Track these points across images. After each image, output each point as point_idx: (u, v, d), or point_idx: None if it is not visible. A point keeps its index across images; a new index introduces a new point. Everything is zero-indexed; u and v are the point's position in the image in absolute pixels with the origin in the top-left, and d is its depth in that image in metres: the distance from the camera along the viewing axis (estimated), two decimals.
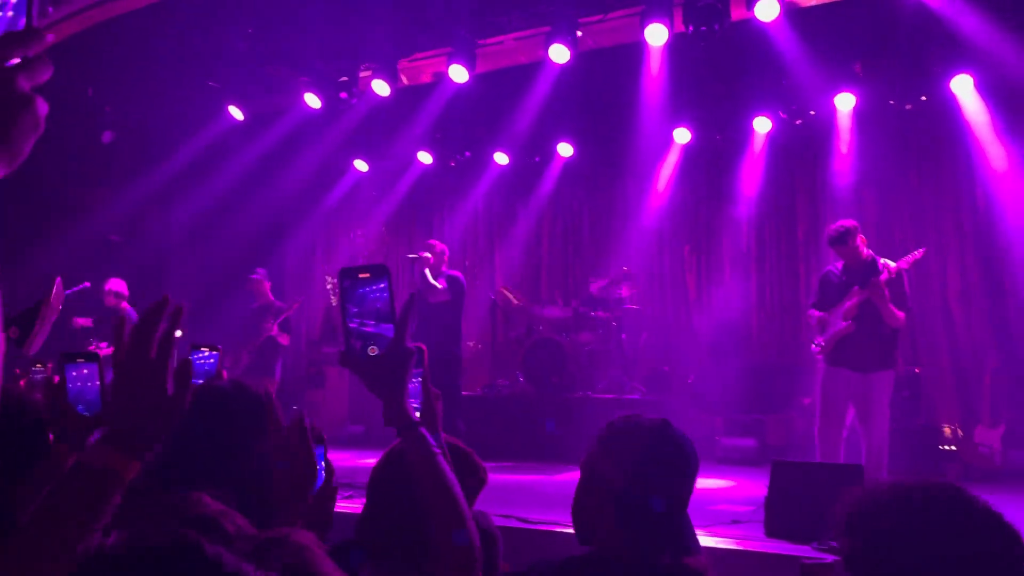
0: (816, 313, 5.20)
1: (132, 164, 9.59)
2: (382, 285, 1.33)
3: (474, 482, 1.94)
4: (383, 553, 1.58)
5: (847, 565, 1.17)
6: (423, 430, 1.35)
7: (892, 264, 4.97)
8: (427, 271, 6.27)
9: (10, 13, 0.81)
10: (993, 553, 1.10)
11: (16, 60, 0.78)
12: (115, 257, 9.46)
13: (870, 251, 5.10)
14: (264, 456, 1.60)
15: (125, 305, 7.79)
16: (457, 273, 6.62)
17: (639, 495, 1.49)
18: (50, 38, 0.80)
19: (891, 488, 1.19)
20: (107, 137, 9.60)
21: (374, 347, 1.32)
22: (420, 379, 1.53)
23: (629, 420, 1.60)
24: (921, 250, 4.96)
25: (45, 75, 0.80)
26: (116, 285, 7.88)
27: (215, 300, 9.82)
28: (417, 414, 1.52)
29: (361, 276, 1.32)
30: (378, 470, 1.74)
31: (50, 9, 6.93)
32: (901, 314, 4.87)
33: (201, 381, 2.25)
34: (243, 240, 10.16)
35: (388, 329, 1.33)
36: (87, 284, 7.93)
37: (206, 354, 2.29)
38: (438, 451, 1.35)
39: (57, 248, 8.56)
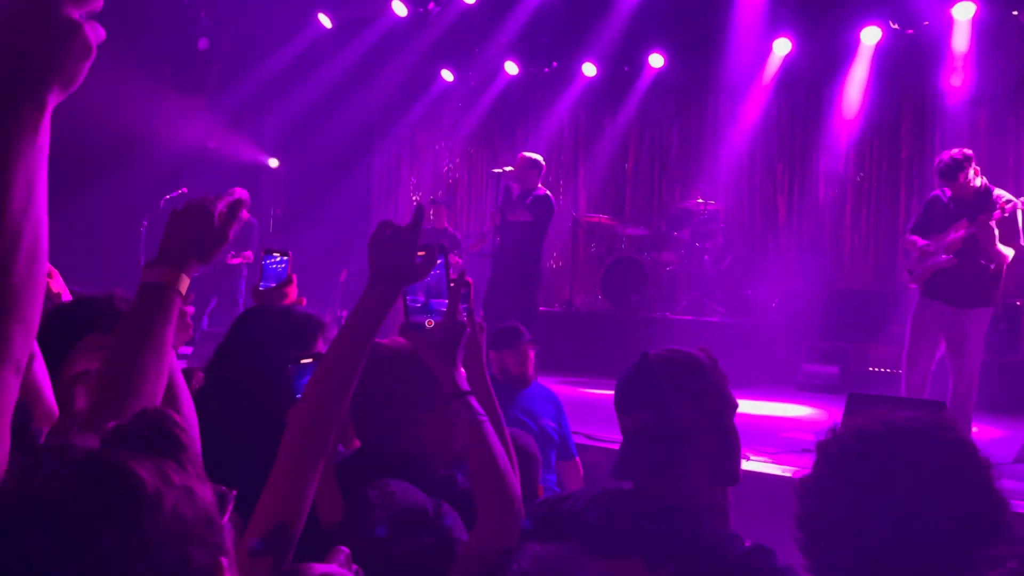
0: (919, 241, 4.90)
1: (227, 71, 9.78)
2: (438, 262, 1.42)
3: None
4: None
5: (802, 489, 1.15)
6: (471, 399, 1.42)
7: (1006, 196, 4.61)
8: (509, 186, 6.17)
9: None
10: (961, 496, 1.06)
11: None
12: (212, 163, 9.78)
13: (984, 180, 4.73)
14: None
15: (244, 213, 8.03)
16: (545, 192, 6.27)
17: (633, 430, 1.51)
18: None
19: (879, 422, 1.15)
20: (203, 44, 9.80)
21: (430, 319, 1.44)
22: (466, 311, 1.55)
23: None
24: None
25: (96, 3, 0.82)
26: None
27: (307, 206, 10.12)
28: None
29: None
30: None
31: None
32: (1008, 254, 4.57)
33: (273, 284, 2.29)
34: (333, 148, 10.33)
35: (443, 304, 1.45)
36: (184, 189, 8.27)
37: (278, 259, 2.27)
38: (484, 418, 1.42)
39: (156, 153, 8.91)
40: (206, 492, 0.77)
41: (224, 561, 0.76)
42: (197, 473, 0.76)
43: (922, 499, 1.08)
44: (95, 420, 0.95)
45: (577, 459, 3.85)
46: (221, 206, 1.27)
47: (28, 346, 0.81)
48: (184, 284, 1.26)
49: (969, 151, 4.69)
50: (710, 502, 1.49)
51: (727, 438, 1.50)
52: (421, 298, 1.44)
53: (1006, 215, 4.49)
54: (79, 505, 0.69)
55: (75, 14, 0.81)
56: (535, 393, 3.76)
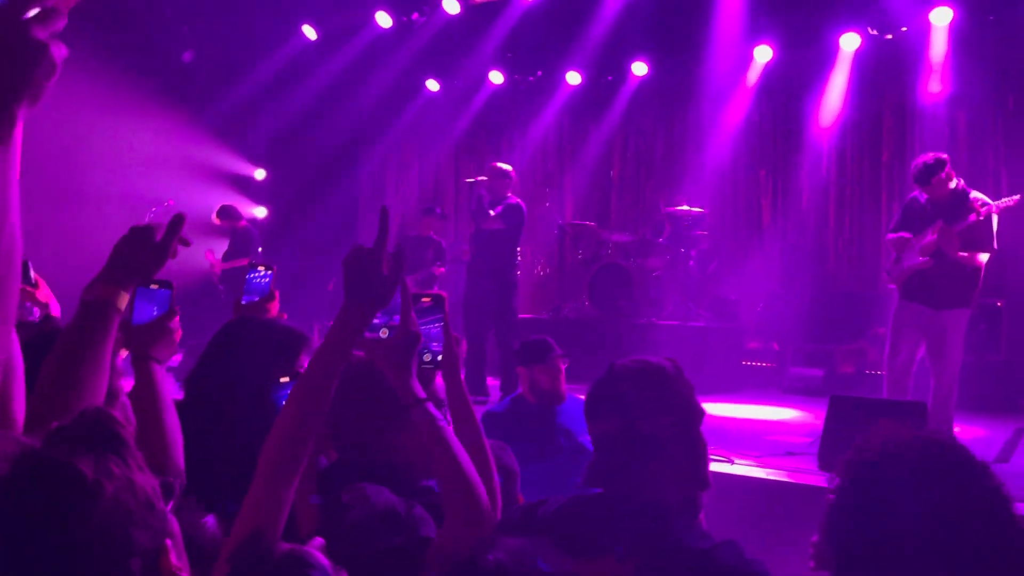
0: (893, 236, 4.98)
1: (211, 83, 9.79)
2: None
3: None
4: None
5: (831, 510, 1.20)
6: (429, 406, 1.46)
7: (982, 198, 4.69)
8: (481, 195, 6.20)
9: None
10: (978, 514, 1.10)
11: (33, 11, 0.86)
12: (198, 175, 9.77)
13: (961, 182, 4.81)
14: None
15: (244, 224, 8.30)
16: (516, 201, 6.40)
17: (602, 438, 1.58)
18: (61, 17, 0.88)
19: (885, 440, 1.20)
20: (187, 57, 9.80)
21: (385, 330, 1.48)
22: (441, 324, 1.59)
23: None
24: (1016, 197, 4.63)
25: (60, 24, 0.89)
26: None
27: (293, 215, 10.13)
28: (439, 357, 1.61)
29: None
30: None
31: None
32: (980, 258, 4.63)
33: (256, 299, 2.33)
34: (319, 158, 10.36)
35: (396, 316, 1.48)
36: (171, 202, 8.28)
37: (261, 273, 2.33)
38: (443, 423, 1.46)
39: (141, 165, 8.91)
40: (148, 481, 0.84)
41: (168, 543, 0.84)
42: (138, 465, 0.84)
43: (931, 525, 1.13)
44: (33, 429, 1.02)
45: None
46: (162, 223, 1.36)
47: (8, 339, 0.89)
48: (123, 300, 1.31)
49: (943, 155, 4.75)
50: (681, 504, 1.53)
51: (694, 446, 1.54)
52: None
53: (981, 218, 4.56)
54: (24, 498, 0.76)
55: (43, 35, 0.87)
56: (570, 409, 3.59)
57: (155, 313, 1.65)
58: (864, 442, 1.26)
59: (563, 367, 3.60)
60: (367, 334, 1.47)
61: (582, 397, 3.79)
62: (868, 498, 1.18)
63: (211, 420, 1.74)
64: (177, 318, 1.66)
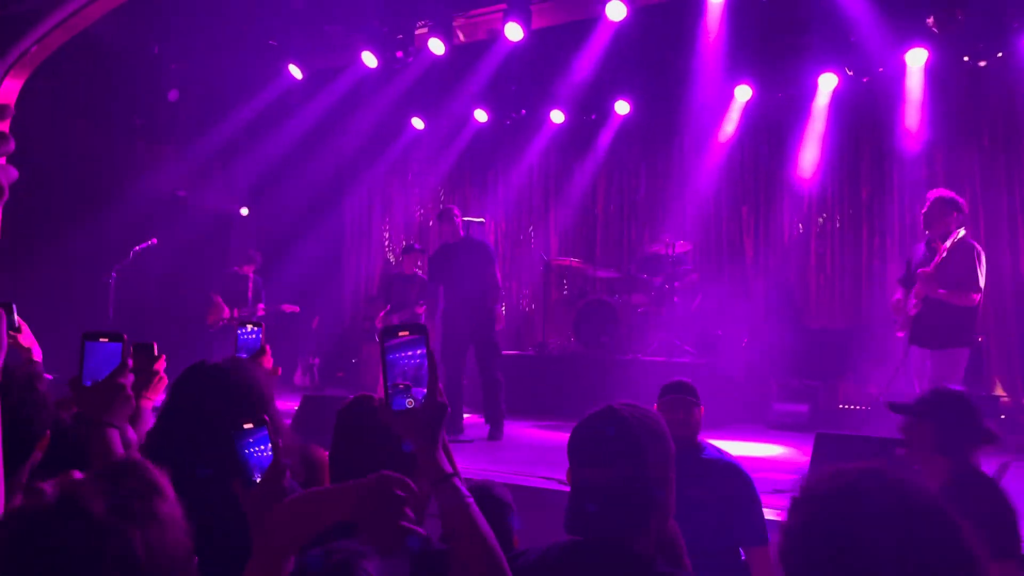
0: (897, 294, 5.20)
1: (197, 122, 9.83)
2: (420, 347, 1.41)
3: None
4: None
5: (781, 548, 1.18)
6: (456, 481, 1.38)
7: (951, 239, 4.83)
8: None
9: None
10: (930, 550, 1.08)
11: None
12: (182, 213, 9.77)
13: (957, 228, 4.91)
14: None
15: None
16: (487, 241, 6.85)
17: (575, 484, 1.56)
18: (9, 115, 0.90)
19: (834, 473, 1.18)
20: (173, 95, 9.84)
21: (411, 400, 1.40)
22: (424, 360, 1.51)
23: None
24: (960, 230, 4.83)
25: (9, 147, 0.89)
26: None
27: (277, 254, 10.11)
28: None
29: (401, 334, 1.40)
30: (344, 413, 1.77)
31: None
32: (964, 298, 4.73)
33: (245, 355, 2.32)
34: (304, 196, 10.38)
35: (421, 391, 1.40)
36: (155, 240, 8.24)
37: (249, 329, 2.35)
38: (471, 500, 1.38)
39: (126, 204, 8.89)
40: (184, 541, 0.92)
41: None
42: (173, 520, 0.92)
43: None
44: None
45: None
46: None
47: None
48: None
49: (950, 194, 4.99)
50: (659, 543, 1.53)
51: (673, 491, 1.56)
52: (401, 383, 1.40)
53: (943, 257, 4.71)
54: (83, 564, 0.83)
55: None
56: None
57: (107, 370, 1.55)
58: (811, 482, 1.20)
59: (700, 412, 3.29)
60: (394, 404, 1.39)
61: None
62: (824, 537, 1.13)
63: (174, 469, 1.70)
64: (131, 376, 1.56)
